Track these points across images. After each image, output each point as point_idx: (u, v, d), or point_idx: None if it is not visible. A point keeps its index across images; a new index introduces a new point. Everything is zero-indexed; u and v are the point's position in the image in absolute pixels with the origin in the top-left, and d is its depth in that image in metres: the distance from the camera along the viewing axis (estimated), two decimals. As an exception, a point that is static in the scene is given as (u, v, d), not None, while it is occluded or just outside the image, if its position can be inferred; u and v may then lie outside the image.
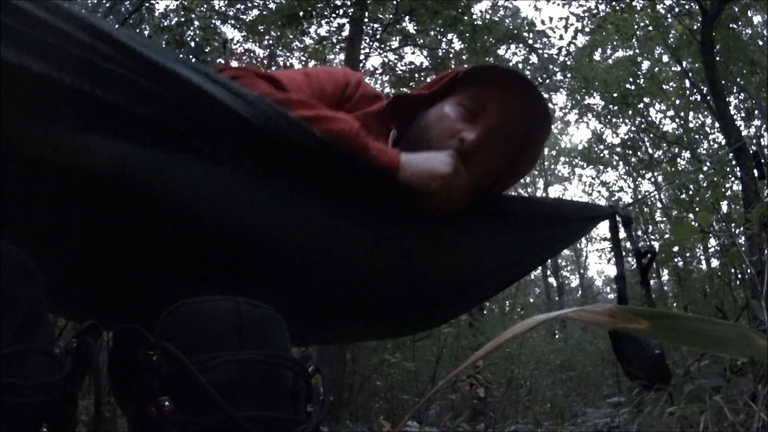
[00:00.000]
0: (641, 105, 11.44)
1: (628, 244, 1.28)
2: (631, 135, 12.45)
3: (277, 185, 0.79)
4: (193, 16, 7.58)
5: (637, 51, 11.23)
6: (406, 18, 7.67)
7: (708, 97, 8.12)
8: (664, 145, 11.63)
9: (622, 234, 1.22)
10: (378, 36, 7.90)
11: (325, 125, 0.81)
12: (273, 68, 9.24)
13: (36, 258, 0.59)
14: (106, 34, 0.63)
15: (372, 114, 1.00)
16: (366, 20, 7.48)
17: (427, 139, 0.96)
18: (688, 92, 11.16)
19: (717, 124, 8.79)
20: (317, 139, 0.79)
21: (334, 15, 7.46)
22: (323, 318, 0.98)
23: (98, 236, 0.71)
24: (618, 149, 13.25)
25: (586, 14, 8.91)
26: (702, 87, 9.23)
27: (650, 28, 9.40)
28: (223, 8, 8.58)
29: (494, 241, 1.05)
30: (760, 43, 9.72)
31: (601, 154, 13.88)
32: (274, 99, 0.82)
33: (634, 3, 8.69)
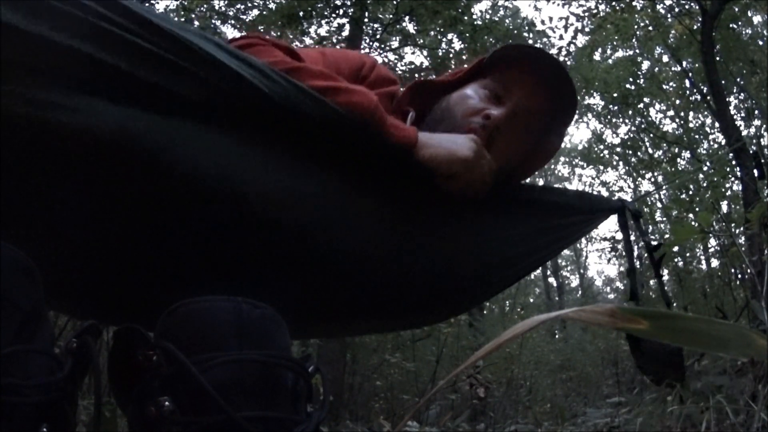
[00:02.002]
0: (641, 105, 11.45)
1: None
2: (631, 135, 12.46)
3: (286, 158, 0.76)
4: (193, 16, 7.58)
5: (637, 51, 11.24)
6: (406, 18, 7.67)
7: (708, 97, 8.12)
8: (664, 145, 11.64)
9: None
10: (378, 36, 7.90)
11: (342, 97, 0.79)
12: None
13: (35, 252, 0.59)
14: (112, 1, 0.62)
15: (388, 95, 0.99)
16: (366, 20, 7.49)
17: (449, 117, 0.95)
18: (688, 92, 11.17)
19: (717, 124, 8.79)
20: (332, 111, 0.77)
21: (334, 15, 7.46)
22: (330, 306, 0.94)
23: (98, 218, 0.69)
24: (618, 149, 13.26)
25: (586, 14, 8.91)
26: (702, 87, 9.23)
27: (650, 28, 9.41)
28: (223, 8, 8.59)
29: (513, 228, 1.03)
30: (760, 43, 9.72)
31: (601, 154, 13.88)
32: (292, 67, 0.80)
33: (634, 3, 8.69)
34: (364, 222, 0.85)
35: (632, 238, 1.23)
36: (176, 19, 7.32)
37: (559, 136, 1.03)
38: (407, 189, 0.87)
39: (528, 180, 1.12)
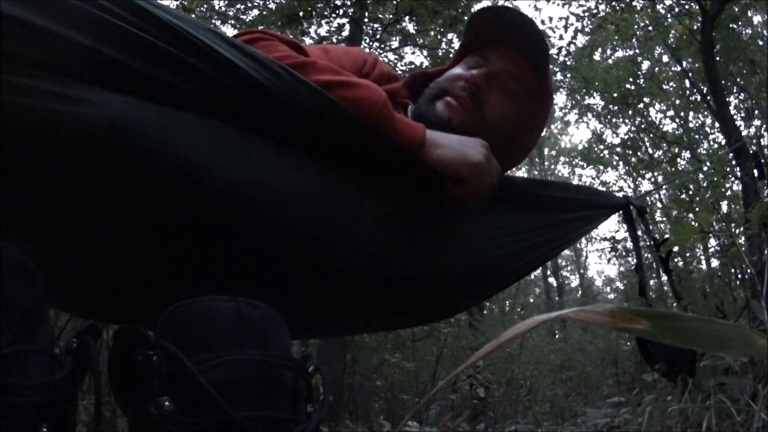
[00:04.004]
0: (641, 105, 11.45)
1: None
2: (631, 135, 12.46)
3: (287, 154, 0.75)
4: (193, 16, 7.58)
5: (637, 51, 11.24)
6: (406, 18, 7.67)
7: (708, 97, 8.12)
8: (664, 145, 11.63)
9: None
10: (378, 36, 7.90)
11: (350, 92, 0.78)
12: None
13: (35, 252, 0.58)
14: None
15: (389, 93, 0.99)
16: (366, 20, 7.48)
17: (433, 92, 0.98)
18: (688, 92, 11.16)
19: (717, 124, 8.79)
20: (337, 107, 0.76)
21: (334, 15, 7.46)
22: (330, 306, 0.93)
23: (97, 216, 0.68)
24: (618, 149, 13.26)
25: (586, 14, 8.91)
26: (702, 87, 9.23)
27: (650, 28, 9.40)
28: (223, 8, 8.59)
29: (515, 225, 1.02)
30: (760, 43, 9.72)
31: (601, 154, 13.88)
32: (299, 62, 0.80)
33: (634, 3, 8.69)
34: (366, 219, 0.84)
35: (639, 233, 1.23)
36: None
37: (542, 116, 1.05)
38: (411, 188, 0.86)
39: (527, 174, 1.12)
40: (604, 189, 13.86)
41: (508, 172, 1.10)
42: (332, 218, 0.80)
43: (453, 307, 1.17)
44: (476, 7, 8.93)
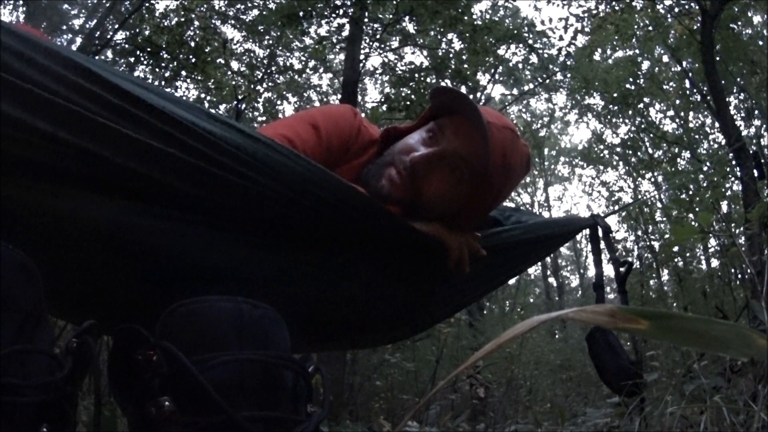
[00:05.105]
0: (641, 105, 11.44)
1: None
2: (631, 135, 12.45)
3: (278, 239, 0.79)
4: (193, 16, 7.58)
5: (637, 51, 11.24)
6: (406, 18, 7.67)
7: (708, 97, 8.12)
8: (664, 145, 11.63)
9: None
10: (378, 36, 7.90)
11: None
12: (273, 70, 9.24)
13: (34, 255, 0.59)
14: (108, 81, 0.64)
15: (367, 162, 1.04)
16: (366, 20, 7.48)
17: (385, 160, 1.00)
18: (688, 92, 11.16)
19: (717, 124, 8.79)
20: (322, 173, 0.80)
21: (334, 15, 7.46)
22: (314, 333, 0.98)
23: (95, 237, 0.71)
24: (618, 149, 13.25)
25: (586, 14, 8.91)
26: (702, 87, 9.23)
27: (650, 28, 9.40)
28: (223, 8, 8.59)
29: (486, 265, 1.07)
30: (760, 43, 9.71)
31: (601, 154, 13.88)
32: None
33: (634, 3, 8.69)
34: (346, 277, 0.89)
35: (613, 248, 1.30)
36: (176, 19, 7.31)
37: (496, 189, 1.01)
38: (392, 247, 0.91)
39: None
40: (604, 189, 13.81)
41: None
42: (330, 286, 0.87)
43: (430, 322, 1.25)
44: (476, 7, 8.94)
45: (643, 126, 11.98)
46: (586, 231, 1.31)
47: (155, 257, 0.69)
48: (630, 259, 1.41)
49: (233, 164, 0.70)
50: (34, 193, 0.61)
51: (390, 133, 1.07)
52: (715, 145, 10.78)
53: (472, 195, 0.99)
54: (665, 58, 11.51)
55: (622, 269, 1.27)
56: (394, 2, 7.27)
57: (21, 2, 8.00)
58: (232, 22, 8.84)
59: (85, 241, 0.66)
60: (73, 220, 0.64)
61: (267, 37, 9.00)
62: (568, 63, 9.84)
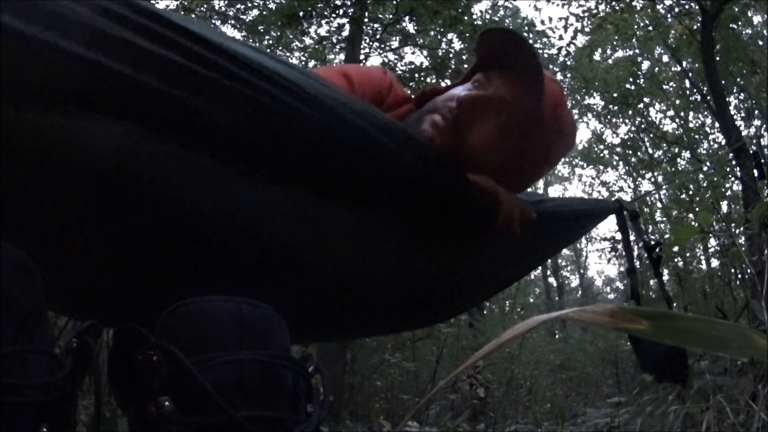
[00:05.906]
0: (641, 105, 11.45)
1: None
2: (631, 135, 12.46)
3: (293, 190, 0.74)
4: (193, 16, 7.58)
5: (637, 51, 11.24)
6: (406, 18, 7.67)
7: (708, 97, 8.12)
8: (664, 145, 11.64)
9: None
10: (378, 36, 7.90)
11: None
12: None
13: (34, 255, 0.58)
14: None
15: (403, 115, 0.99)
16: (366, 20, 7.48)
17: (428, 108, 0.95)
18: (688, 92, 11.16)
19: (717, 124, 8.79)
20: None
21: (334, 15, 7.46)
22: (330, 315, 0.94)
23: (95, 231, 0.69)
24: (618, 149, 13.26)
25: (586, 14, 8.91)
26: (702, 87, 9.22)
27: (650, 28, 9.40)
28: (223, 8, 8.59)
29: (517, 239, 1.01)
30: (760, 43, 9.71)
31: (601, 154, 13.88)
32: None
33: (634, 3, 8.69)
34: (371, 240, 0.85)
35: (632, 237, 1.24)
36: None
37: (541, 145, 0.97)
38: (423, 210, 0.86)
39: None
40: (604, 189, 13.84)
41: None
42: (341, 241, 0.81)
43: (453, 311, 1.21)
44: (476, 7, 8.93)
45: (643, 126, 11.98)
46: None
47: (167, 205, 0.66)
48: (662, 240, 1.35)
49: (261, 83, 0.66)
50: (47, 117, 0.58)
51: (426, 93, 1.02)
52: (715, 145, 10.79)
53: (519, 150, 0.93)
54: (665, 58, 11.51)
55: (654, 253, 1.22)
56: (394, 2, 7.27)
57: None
58: (232, 22, 8.84)
59: (88, 191, 0.63)
60: (78, 150, 0.60)
61: (267, 37, 9.01)
62: (568, 63, 9.84)
